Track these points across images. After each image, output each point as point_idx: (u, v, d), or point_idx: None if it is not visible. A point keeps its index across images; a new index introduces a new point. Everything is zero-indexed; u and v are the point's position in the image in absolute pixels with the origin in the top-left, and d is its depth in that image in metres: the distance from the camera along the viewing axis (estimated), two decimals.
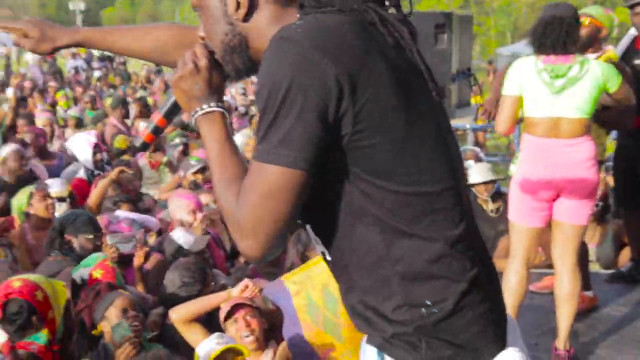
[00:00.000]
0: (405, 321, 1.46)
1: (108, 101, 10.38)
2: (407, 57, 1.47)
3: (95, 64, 24.45)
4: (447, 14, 7.70)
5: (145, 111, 8.71)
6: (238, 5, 1.49)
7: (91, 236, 3.99)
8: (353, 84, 1.33)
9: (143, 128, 6.46)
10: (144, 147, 1.83)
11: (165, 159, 6.73)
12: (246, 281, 3.25)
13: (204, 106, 1.54)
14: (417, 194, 1.43)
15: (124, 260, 3.98)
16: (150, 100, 10.09)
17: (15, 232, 4.52)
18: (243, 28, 1.51)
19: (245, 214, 1.39)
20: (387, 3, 1.50)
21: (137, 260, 3.94)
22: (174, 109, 1.70)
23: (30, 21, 1.97)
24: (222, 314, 3.25)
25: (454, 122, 7.98)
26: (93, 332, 3.27)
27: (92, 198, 5.07)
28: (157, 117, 1.72)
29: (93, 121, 9.25)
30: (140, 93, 12.20)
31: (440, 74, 7.44)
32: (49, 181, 5.20)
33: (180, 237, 4.16)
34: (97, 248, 3.99)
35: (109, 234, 4.07)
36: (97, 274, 3.48)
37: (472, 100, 9.54)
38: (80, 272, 3.53)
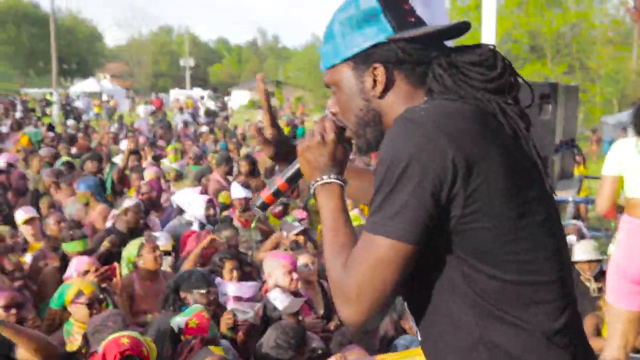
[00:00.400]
0: None
1: (214, 157, 10.73)
2: (523, 147, 1.51)
3: (201, 119, 25.38)
4: (553, 84, 7.60)
5: (253, 169, 8.95)
6: (375, 83, 1.59)
7: (204, 291, 4.11)
8: (469, 167, 1.38)
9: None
10: (264, 207, 1.87)
11: (256, 218, 6.85)
12: (337, 355, 3.24)
13: (324, 177, 1.63)
14: (518, 283, 1.44)
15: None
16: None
17: (116, 281, 4.67)
18: (378, 104, 1.61)
19: (351, 282, 1.43)
20: (507, 96, 1.54)
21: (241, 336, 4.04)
22: (296, 176, 1.78)
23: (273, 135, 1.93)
24: None
25: (556, 195, 7.77)
26: None
27: (187, 264, 5.17)
28: (279, 181, 1.80)
29: (196, 176, 9.63)
30: (243, 150, 12.59)
31: (544, 144, 7.32)
32: (156, 234, 5.41)
33: (276, 298, 4.21)
34: (211, 303, 4.11)
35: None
36: (192, 323, 3.58)
37: (575, 171, 9.28)
38: (178, 321, 3.65)
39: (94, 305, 3.96)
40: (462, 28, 1.58)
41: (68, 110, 27.09)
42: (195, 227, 6.41)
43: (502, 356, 1.44)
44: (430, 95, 1.56)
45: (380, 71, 1.58)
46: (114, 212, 6.55)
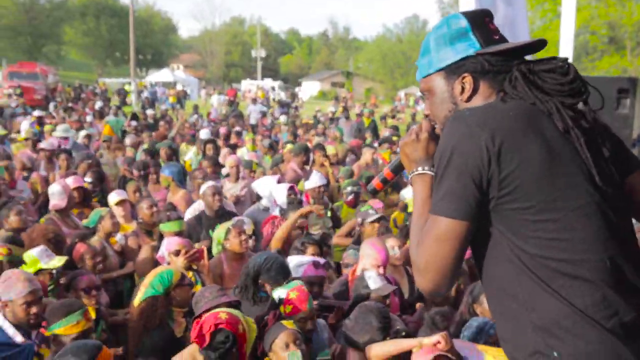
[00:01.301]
0: None
1: (288, 147, 10.97)
2: (572, 143, 1.74)
3: (276, 111, 25.73)
4: (632, 79, 7.53)
5: (326, 159, 9.17)
6: (462, 89, 1.92)
7: (283, 282, 4.21)
8: (500, 153, 1.67)
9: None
10: (374, 192, 2.32)
11: (329, 207, 7.06)
12: (444, 334, 3.32)
13: (419, 169, 1.98)
14: (551, 259, 1.68)
15: None
16: (330, 149, 10.51)
17: (204, 263, 4.91)
18: (464, 107, 1.92)
19: (419, 254, 1.78)
20: (577, 99, 1.81)
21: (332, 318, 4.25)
22: (399, 167, 2.18)
23: None
24: None
25: None
26: None
27: (277, 238, 5.48)
28: (386, 171, 2.24)
29: (272, 166, 9.93)
30: (315, 140, 12.81)
31: (622, 137, 7.24)
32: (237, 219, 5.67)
33: (371, 277, 4.35)
34: None
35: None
36: (293, 294, 3.82)
37: None
38: (279, 292, 3.89)
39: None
40: (539, 44, 1.89)
41: (146, 99, 27.89)
42: (276, 212, 6.69)
43: (538, 321, 1.68)
44: (499, 96, 1.85)
45: (468, 80, 1.90)
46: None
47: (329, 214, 7.02)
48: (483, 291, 1.92)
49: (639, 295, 1.72)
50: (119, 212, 6.43)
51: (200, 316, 3.58)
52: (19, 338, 3.62)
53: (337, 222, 7.17)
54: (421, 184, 1.94)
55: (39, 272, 4.37)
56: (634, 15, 30.19)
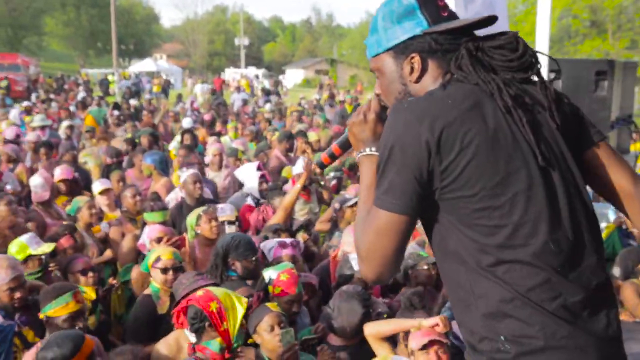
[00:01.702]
0: (485, 351, 1.72)
1: (274, 134, 10.97)
2: (515, 125, 1.72)
3: (260, 100, 25.65)
4: (610, 61, 7.56)
5: (308, 146, 9.21)
6: (412, 70, 1.89)
7: (253, 259, 4.34)
8: (439, 145, 1.66)
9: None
10: (322, 166, 2.32)
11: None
12: (442, 317, 3.37)
13: (367, 149, 1.96)
14: (494, 246, 1.68)
15: None
16: (313, 136, 10.57)
17: (185, 250, 4.97)
18: (413, 88, 1.91)
19: (362, 243, 1.79)
20: (528, 74, 1.80)
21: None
22: (348, 143, 2.16)
23: None
24: (415, 343, 3.38)
25: None
26: (249, 342, 3.61)
27: (284, 207, 5.61)
28: (334, 146, 2.23)
29: (256, 153, 9.95)
30: (297, 127, 12.82)
31: (599, 120, 7.33)
32: (221, 206, 5.72)
33: (354, 258, 4.39)
34: (256, 268, 4.32)
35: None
36: (283, 276, 3.87)
37: (632, 148, 9.20)
38: (269, 273, 3.93)
39: (168, 272, 4.27)
40: (489, 21, 1.84)
41: (130, 89, 27.70)
42: (249, 201, 6.74)
43: (485, 307, 1.70)
44: (447, 77, 1.83)
45: (416, 60, 1.86)
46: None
47: (315, 199, 7.08)
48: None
49: (586, 275, 1.70)
50: (103, 201, 6.47)
51: (180, 302, 3.63)
52: None
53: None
54: (368, 165, 1.91)
55: (28, 258, 4.42)
56: None
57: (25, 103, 15.85)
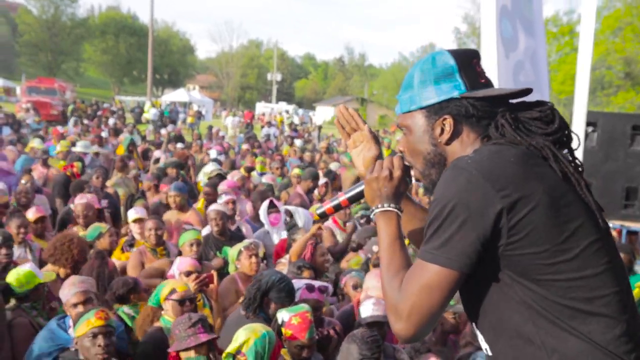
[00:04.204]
0: None
1: (296, 171, 10.98)
2: (572, 186, 1.73)
3: (287, 133, 25.82)
4: None
5: (332, 187, 9.24)
6: (442, 131, 1.87)
7: (287, 306, 4.23)
8: (511, 206, 1.62)
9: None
10: (323, 216, 2.21)
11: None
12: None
13: (385, 205, 1.94)
14: (568, 298, 1.65)
15: None
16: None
17: (212, 287, 4.89)
18: (444, 149, 1.90)
19: (404, 300, 1.72)
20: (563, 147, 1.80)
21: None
22: (358, 197, 2.13)
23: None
24: None
25: None
26: None
27: (294, 252, 5.65)
28: (342, 198, 2.16)
29: (280, 188, 9.97)
30: (331, 166, 12.85)
31: (634, 174, 7.23)
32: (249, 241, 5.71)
33: (365, 305, 4.33)
34: None
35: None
36: (295, 320, 3.79)
37: None
38: (283, 315, 3.86)
39: (185, 303, 4.22)
40: (525, 92, 1.84)
41: (167, 118, 28.11)
42: (284, 235, 6.82)
43: (563, 358, 1.64)
44: (485, 142, 1.82)
45: (448, 122, 1.85)
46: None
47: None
48: (482, 335, 1.84)
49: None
50: (135, 229, 6.54)
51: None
52: None
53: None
54: (387, 221, 1.90)
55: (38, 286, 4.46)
56: None
57: (60, 128, 16.07)
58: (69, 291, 4.05)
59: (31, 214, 6.43)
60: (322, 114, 58.13)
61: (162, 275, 5.33)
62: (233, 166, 12.20)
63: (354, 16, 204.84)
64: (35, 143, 12.74)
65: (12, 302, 4.31)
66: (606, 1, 31.43)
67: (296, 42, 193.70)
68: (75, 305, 3.99)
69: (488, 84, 1.88)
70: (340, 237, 7.07)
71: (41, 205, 7.23)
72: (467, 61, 1.87)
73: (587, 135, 6.10)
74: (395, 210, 1.92)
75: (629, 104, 29.69)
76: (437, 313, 1.70)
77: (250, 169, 11.72)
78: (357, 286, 5.25)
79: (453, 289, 1.69)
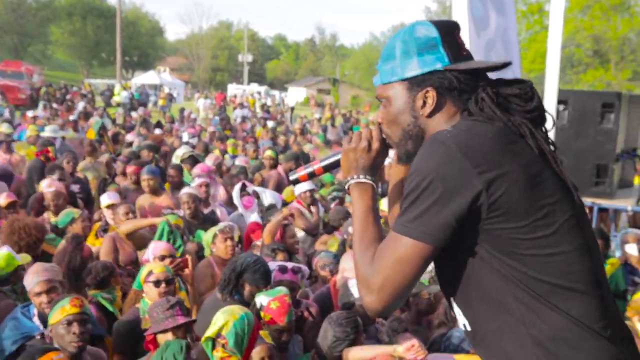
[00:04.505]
0: None
1: (269, 153, 10.90)
2: (551, 166, 1.75)
3: (260, 115, 25.72)
4: (617, 93, 7.62)
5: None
6: (424, 104, 1.84)
7: (263, 288, 4.25)
8: (489, 183, 1.63)
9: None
10: (296, 182, 2.17)
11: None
12: (414, 341, 3.36)
13: (361, 176, 1.93)
14: (547, 273, 1.66)
15: None
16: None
17: (188, 272, 4.87)
18: (424, 122, 1.87)
19: (376, 273, 1.71)
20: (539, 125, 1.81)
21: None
22: (333, 166, 2.10)
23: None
24: None
25: (615, 203, 7.74)
26: None
27: (268, 231, 5.71)
28: (317, 165, 2.11)
29: (252, 170, 9.95)
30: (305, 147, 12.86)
31: (604, 152, 7.33)
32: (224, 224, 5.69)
33: (354, 285, 4.33)
34: None
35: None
36: (274, 304, 3.81)
37: (635, 181, 9.18)
38: (261, 298, 3.87)
39: (160, 284, 4.23)
40: (506, 65, 1.84)
41: (132, 101, 27.78)
42: (254, 217, 6.78)
43: (539, 333, 1.66)
44: (464, 117, 1.81)
45: (431, 94, 1.82)
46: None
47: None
48: (461, 310, 1.84)
49: (614, 302, 1.76)
50: (109, 214, 6.49)
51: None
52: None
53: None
54: (362, 192, 1.89)
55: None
56: (619, 30, 30.52)
57: (30, 113, 15.80)
58: (32, 279, 4.00)
59: (2, 200, 6.36)
60: (294, 94, 57.89)
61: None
62: (206, 149, 12.08)
63: None
64: (3, 128, 12.50)
65: None
66: None
67: (267, 23, 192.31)
68: (38, 294, 3.95)
69: (469, 56, 1.86)
70: (308, 216, 7.05)
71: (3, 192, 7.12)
72: (449, 33, 1.85)
73: (558, 113, 6.15)
74: (371, 182, 1.90)
75: (598, 82, 30.06)
76: (408, 287, 1.70)
77: (224, 152, 11.67)
78: (325, 266, 5.26)
79: (426, 263, 1.68)
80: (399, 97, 1.87)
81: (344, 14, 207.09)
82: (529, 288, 1.66)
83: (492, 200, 1.63)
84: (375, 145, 1.93)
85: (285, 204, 7.41)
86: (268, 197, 7.18)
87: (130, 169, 8.19)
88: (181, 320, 3.62)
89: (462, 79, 1.80)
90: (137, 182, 7.70)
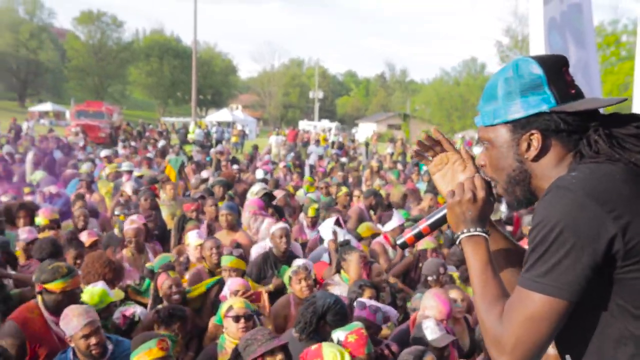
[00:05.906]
0: None
1: (340, 190, 10.96)
2: None
3: (333, 151, 25.82)
4: None
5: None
6: (528, 147, 1.73)
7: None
8: (624, 228, 1.50)
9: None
10: (404, 246, 2.05)
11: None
12: None
13: (471, 230, 1.80)
14: None
15: None
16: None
17: (263, 305, 5.00)
18: (530, 166, 1.76)
19: (507, 332, 1.59)
20: None
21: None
22: (440, 223, 1.97)
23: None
24: None
25: None
26: None
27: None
28: (423, 225, 1.99)
29: (323, 207, 9.93)
30: (376, 183, 12.83)
31: None
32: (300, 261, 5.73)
33: (428, 327, 4.30)
34: None
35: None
36: (351, 338, 3.79)
37: None
38: (338, 334, 3.86)
39: (240, 319, 4.27)
40: (621, 102, 1.71)
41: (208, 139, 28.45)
42: (325, 257, 6.78)
43: None
44: (578, 159, 1.69)
45: (536, 137, 1.71)
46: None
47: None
48: None
49: None
50: (196, 253, 6.53)
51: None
52: None
53: None
54: (475, 246, 1.77)
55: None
56: None
57: (104, 153, 16.39)
58: (78, 322, 3.85)
59: (85, 238, 6.62)
60: (365, 130, 58.06)
61: None
62: (277, 185, 12.25)
63: (393, 32, 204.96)
64: (84, 167, 13.02)
65: None
66: None
67: (337, 59, 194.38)
68: (86, 337, 3.83)
69: (578, 94, 1.73)
70: (391, 254, 7.01)
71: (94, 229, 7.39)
72: (556, 70, 1.72)
73: None
74: (483, 234, 1.79)
75: None
76: (543, 346, 1.59)
77: (296, 188, 11.78)
78: (415, 309, 5.22)
79: (561, 319, 1.57)
80: (501, 140, 1.77)
81: (413, 48, 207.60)
82: None
83: (630, 247, 1.51)
84: (481, 194, 1.81)
85: (359, 239, 7.40)
86: (340, 233, 7.18)
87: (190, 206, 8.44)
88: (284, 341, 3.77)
89: (570, 121, 1.68)
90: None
